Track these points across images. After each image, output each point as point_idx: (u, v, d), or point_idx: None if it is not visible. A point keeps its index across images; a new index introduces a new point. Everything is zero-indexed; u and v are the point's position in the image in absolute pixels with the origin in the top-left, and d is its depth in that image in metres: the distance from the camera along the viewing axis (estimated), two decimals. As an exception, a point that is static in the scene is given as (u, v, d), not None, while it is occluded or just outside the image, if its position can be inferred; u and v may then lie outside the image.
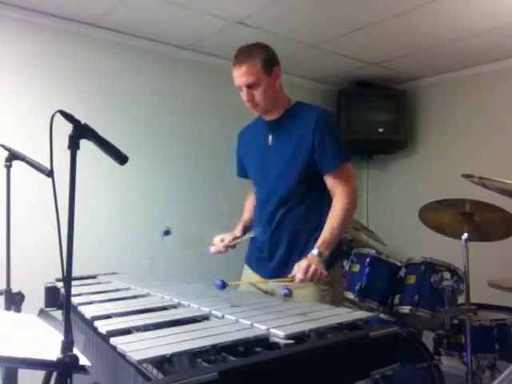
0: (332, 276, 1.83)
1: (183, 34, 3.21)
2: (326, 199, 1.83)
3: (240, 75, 1.77)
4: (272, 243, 1.87)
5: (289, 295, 1.59)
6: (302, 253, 1.76)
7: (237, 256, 2.08)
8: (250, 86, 1.78)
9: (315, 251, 1.70)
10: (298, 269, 1.66)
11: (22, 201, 2.65)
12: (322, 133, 1.78)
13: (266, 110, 1.86)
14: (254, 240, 1.99)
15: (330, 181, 1.82)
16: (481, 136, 3.75)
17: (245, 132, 2.08)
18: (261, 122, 1.95)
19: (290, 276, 1.68)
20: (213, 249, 1.97)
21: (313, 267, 1.64)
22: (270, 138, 1.91)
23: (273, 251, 1.87)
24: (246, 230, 2.02)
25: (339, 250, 1.93)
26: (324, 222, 1.79)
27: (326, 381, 1.09)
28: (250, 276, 1.98)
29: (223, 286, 1.62)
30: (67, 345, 0.96)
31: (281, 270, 1.80)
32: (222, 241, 1.95)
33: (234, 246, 1.97)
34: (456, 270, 2.73)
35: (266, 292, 1.88)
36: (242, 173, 2.10)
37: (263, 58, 1.78)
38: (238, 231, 2.02)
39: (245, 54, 1.79)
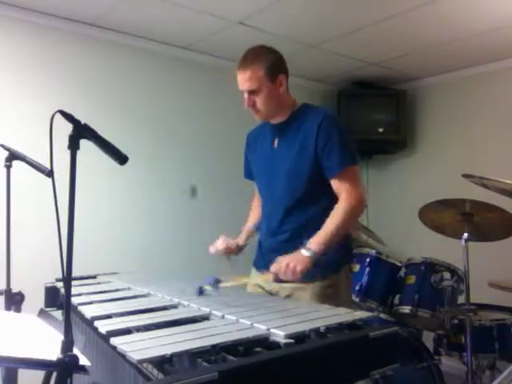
0: (337, 280, 1.80)
1: (183, 33, 3.21)
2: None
3: (243, 80, 1.74)
4: (279, 250, 1.80)
5: (214, 286, 1.59)
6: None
7: (244, 258, 2.08)
8: (252, 92, 1.75)
9: (303, 249, 1.64)
10: (275, 263, 1.63)
11: (22, 201, 2.65)
12: (325, 138, 1.74)
13: (267, 116, 1.83)
14: (261, 244, 1.98)
15: (335, 185, 1.76)
16: (481, 136, 3.75)
17: (253, 134, 2.05)
18: (268, 125, 1.92)
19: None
20: (212, 249, 1.94)
21: (285, 262, 1.59)
22: (276, 142, 1.88)
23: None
24: (248, 239, 2.01)
25: (346, 255, 1.91)
26: None
27: (326, 381, 1.09)
28: (255, 277, 1.97)
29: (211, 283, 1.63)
30: (67, 345, 0.96)
31: None
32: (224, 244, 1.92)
33: (237, 253, 1.96)
34: (456, 270, 2.73)
35: (269, 293, 1.88)
36: (249, 175, 2.07)
37: (268, 64, 1.73)
38: (241, 240, 1.99)
39: (250, 58, 1.75)
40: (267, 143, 1.92)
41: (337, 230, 1.68)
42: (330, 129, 1.75)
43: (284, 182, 1.83)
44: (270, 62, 1.74)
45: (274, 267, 1.63)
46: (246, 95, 1.77)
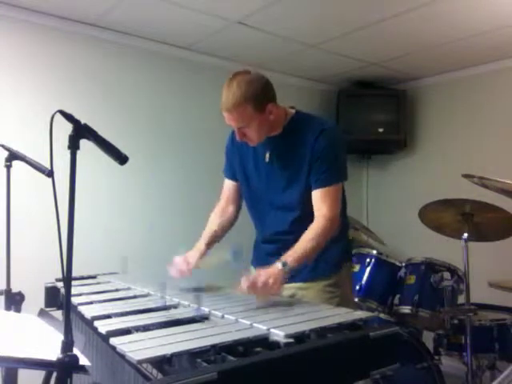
0: (339, 279, 1.80)
1: (183, 33, 3.21)
2: None
3: (230, 119, 1.67)
4: (278, 255, 1.73)
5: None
6: (313, 262, 1.74)
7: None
8: (241, 127, 1.69)
9: (279, 262, 1.56)
10: (247, 278, 1.51)
11: (22, 201, 2.65)
12: (320, 150, 1.70)
13: (260, 141, 1.77)
14: (258, 245, 1.97)
15: (315, 198, 1.73)
16: (481, 136, 3.75)
17: (235, 137, 1.92)
18: None
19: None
20: (174, 272, 1.77)
21: (262, 279, 1.49)
22: (268, 155, 1.82)
23: None
24: (211, 245, 1.91)
25: (346, 253, 1.91)
26: (332, 242, 1.75)
27: (326, 381, 1.09)
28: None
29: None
30: (67, 345, 0.96)
31: (289, 277, 1.79)
32: (187, 263, 1.78)
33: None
34: (456, 270, 2.73)
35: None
36: (231, 175, 2.00)
37: (254, 98, 1.63)
38: (202, 244, 1.89)
39: (233, 97, 1.61)
40: (258, 156, 1.85)
41: (312, 249, 1.64)
42: (326, 142, 1.71)
43: (282, 196, 1.80)
44: (255, 96, 1.63)
45: (249, 282, 1.50)
46: (236, 129, 1.72)
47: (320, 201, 1.72)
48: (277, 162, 1.81)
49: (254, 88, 1.63)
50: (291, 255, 1.60)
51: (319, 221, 1.69)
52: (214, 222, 1.99)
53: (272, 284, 1.50)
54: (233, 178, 2.00)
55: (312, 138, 1.71)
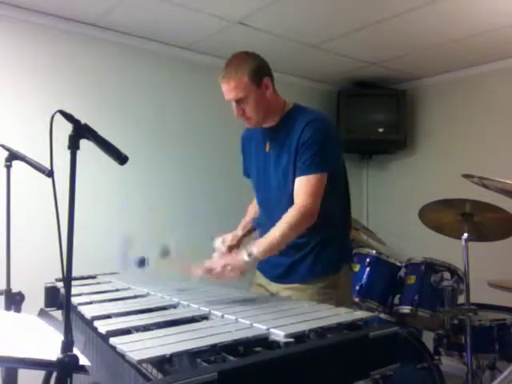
0: (337, 280, 1.79)
1: (183, 33, 3.21)
2: (332, 210, 1.76)
3: (228, 90, 1.72)
4: (281, 252, 1.76)
5: (144, 263, 1.48)
6: (311, 261, 1.77)
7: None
8: (239, 101, 1.73)
9: (245, 253, 1.59)
10: (211, 260, 1.59)
11: (21, 201, 2.65)
12: (304, 139, 1.71)
13: (258, 122, 1.81)
14: None
15: (296, 185, 1.73)
16: (481, 136, 3.75)
17: (247, 134, 2.02)
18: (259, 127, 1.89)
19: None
20: (216, 255, 1.87)
21: (222, 263, 1.56)
22: (268, 145, 1.86)
23: (280, 260, 1.80)
24: (246, 231, 2.00)
25: (346, 255, 1.90)
26: (333, 233, 1.77)
27: (326, 381, 1.09)
28: (258, 277, 1.97)
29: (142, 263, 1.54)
30: (67, 345, 0.96)
31: (287, 277, 1.81)
32: (224, 242, 1.90)
33: (238, 246, 1.91)
34: (456, 270, 2.73)
35: (272, 294, 1.87)
36: (247, 174, 2.06)
37: (251, 70, 1.70)
38: (239, 231, 1.98)
39: (232, 68, 1.71)
40: (260, 146, 1.90)
41: (282, 240, 1.65)
42: (312, 132, 1.71)
43: (279, 186, 1.81)
44: (252, 68, 1.71)
45: (208, 264, 1.57)
46: (234, 105, 1.75)
47: (298, 189, 1.72)
48: (273, 152, 1.84)
49: (250, 61, 1.73)
50: (259, 245, 1.62)
51: (292, 210, 1.68)
52: (248, 213, 2.09)
53: (229, 272, 1.55)
54: (249, 176, 2.04)
55: (299, 129, 1.73)
